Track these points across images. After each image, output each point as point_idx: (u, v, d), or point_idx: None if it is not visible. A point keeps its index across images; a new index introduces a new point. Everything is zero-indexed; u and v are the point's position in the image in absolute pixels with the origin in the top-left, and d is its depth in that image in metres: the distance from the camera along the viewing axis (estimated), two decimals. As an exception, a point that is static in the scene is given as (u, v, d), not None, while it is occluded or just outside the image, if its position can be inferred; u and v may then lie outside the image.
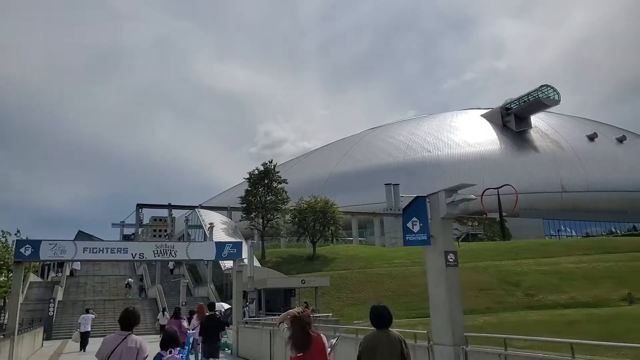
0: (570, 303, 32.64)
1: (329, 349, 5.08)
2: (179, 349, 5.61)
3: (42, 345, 23.99)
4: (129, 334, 5.24)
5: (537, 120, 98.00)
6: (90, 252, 16.27)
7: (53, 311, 31.62)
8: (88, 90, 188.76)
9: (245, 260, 18.29)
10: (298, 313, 5.12)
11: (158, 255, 16.65)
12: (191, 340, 6.82)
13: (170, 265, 47.58)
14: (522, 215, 73.54)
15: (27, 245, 15.46)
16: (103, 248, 16.47)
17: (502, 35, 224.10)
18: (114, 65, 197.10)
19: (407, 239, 7.84)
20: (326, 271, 43.10)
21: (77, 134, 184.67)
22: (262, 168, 51.03)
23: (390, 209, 76.57)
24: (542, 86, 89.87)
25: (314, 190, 59.27)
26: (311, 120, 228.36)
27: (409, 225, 7.82)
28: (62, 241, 15.97)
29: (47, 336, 28.01)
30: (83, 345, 21.09)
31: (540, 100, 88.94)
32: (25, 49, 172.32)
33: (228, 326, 17.47)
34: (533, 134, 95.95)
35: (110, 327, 31.94)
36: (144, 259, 16.83)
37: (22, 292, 36.80)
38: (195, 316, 13.53)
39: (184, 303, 27.76)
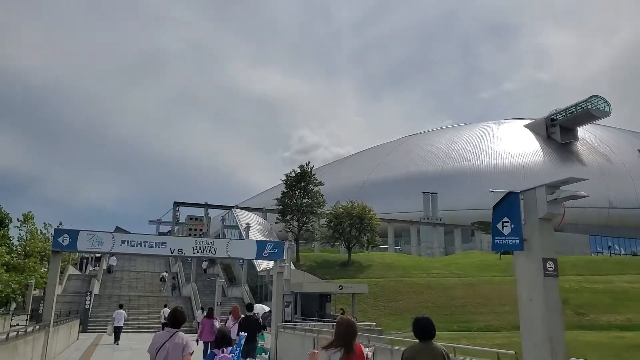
0: (627, 325, 30.24)
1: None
2: (230, 348, 5.77)
3: (77, 338, 23.75)
4: (177, 331, 5.57)
5: (584, 132, 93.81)
6: (127, 245, 15.69)
7: (89, 304, 31.59)
8: (128, 92, 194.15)
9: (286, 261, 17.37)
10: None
11: (197, 252, 15.92)
12: (242, 342, 6.63)
13: (204, 265, 47.35)
14: (567, 230, 70.09)
15: (65, 235, 14.98)
16: (141, 241, 15.82)
17: (546, 45, 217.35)
18: (153, 68, 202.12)
19: (495, 242, 6.66)
20: (361, 278, 41.90)
21: (116, 134, 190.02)
22: (298, 170, 50.31)
23: (428, 218, 74.71)
24: (591, 97, 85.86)
25: (349, 195, 58.11)
26: (345, 127, 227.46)
27: (499, 226, 6.66)
28: (100, 232, 15.46)
29: (83, 329, 27.86)
30: (116, 338, 22.01)
31: (589, 111, 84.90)
32: (68, 52, 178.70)
33: (265, 329, 16.53)
34: (579, 146, 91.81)
35: (144, 323, 31.70)
36: (183, 254, 16.12)
37: (61, 284, 37.18)
38: (230, 317, 13.43)
39: (219, 303, 27.21)
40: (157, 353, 5.38)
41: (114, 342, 21.65)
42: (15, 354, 9.77)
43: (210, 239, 16.76)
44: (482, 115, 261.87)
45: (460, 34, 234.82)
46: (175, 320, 5.67)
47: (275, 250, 17.07)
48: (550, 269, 6.32)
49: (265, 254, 16.91)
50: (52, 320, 14.63)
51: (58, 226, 36.19)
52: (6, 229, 41.57)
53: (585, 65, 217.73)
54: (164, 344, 5.41)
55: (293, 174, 49.94)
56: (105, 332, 26.48)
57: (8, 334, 9.65)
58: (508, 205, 6.68)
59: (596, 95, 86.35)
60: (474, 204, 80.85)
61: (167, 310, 26.29)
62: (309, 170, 50.05)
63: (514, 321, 34.15)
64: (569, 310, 35.55)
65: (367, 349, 5.13)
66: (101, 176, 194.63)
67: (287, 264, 17.92)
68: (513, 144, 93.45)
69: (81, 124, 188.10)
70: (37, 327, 13.49)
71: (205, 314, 15.67)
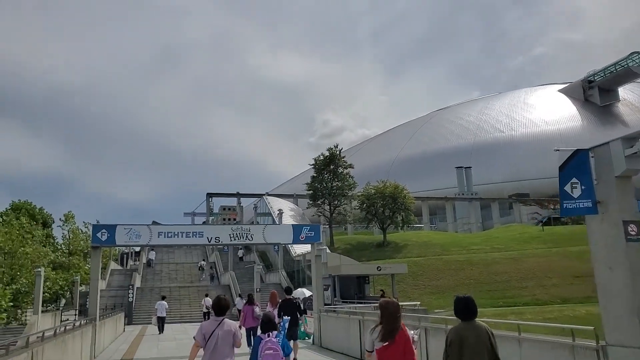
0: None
1: (415, 344, 4.97)
2: (275, 332, 5.91)
3: (123, 330, 24.16)
4: (223, 319, 5.70)
5: (626, 92, 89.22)
6: (165, 237, 15.55)
7: (132, 297, 32.16)
8: (153, 88, 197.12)
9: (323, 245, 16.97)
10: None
11: (234, 239, 15.66)
12: (286, 325, 6.95)
13: (240, 253, 47.71)
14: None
15: (104, 230, 14.97)
16: (178, 232, 15.68)
17: (575, 2, 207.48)
18: (175, 62, 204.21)
19: (564, 206, 5.96)
20: (398, 258, 41.31)
21: (146, 130, 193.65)
22: (327, 153, 49.66)
23: (463, 194, 73.09)
24: (632, 53, 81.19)
25: (379, 176, 57.10)
26: (370, 107, 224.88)
27: (567, 188, 5.94)
28: (137, 225, 15.38)
29: (128, 321, 28.39)
30: (160, 328, 22.72)
31: (630, 69, 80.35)
32: (94, 51, 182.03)
33: (305, 313, 16.23)
34: (621, 107, 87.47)
35: (186, 313, 32.10)
36: (220, 242, 15.89)
37: (105, 279, 38.08)
38: (268, 304, 13.62)
39: (258, 289, 27.27)
40: (207, 341, 5.52)
41: (159, 332, 22.34)
42: (65, 348, 9.76)
43: (246, 226, 16.49)
44: (512, 85, 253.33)
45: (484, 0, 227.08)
46: (220, 308, 5.79)
47: (311, 233, 16.65)
48: (633, 233, 5.59)
49: (302, 238, 16.53)
50: (97, 314, 14.71)
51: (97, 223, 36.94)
52: (50, 229, 43.00)
53: (620, 21, 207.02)
54: (213, 332, 5.54)
55: (322, 158, 49.34)
56: (149, 323, 27.14)
57: (56, 330, 9.66)
58: (576, 164, 5.94)
59: (637, 52, 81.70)
60: (509, 176, 78.59)
61: (208, 300, 26.75)
62: (338, 152, 49.32)
63: (563, 294, 33.06)
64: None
65: (412, 331, 5.07)
66: (135, 174, 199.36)
67: (325, 247, 17.45)
68: (548, 111, 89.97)
69: (111, 123, 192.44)
70: (84, 321, 13.57)
71: (245, 300, 15.58)
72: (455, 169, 76.01)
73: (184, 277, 43.11)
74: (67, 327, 10.66)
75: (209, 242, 15.64)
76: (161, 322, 22.97)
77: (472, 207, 71.63)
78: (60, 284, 29.65)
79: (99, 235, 14.82)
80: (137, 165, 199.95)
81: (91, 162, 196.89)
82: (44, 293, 23.78)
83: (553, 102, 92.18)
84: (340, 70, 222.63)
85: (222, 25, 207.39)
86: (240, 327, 14.34)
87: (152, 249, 46.90)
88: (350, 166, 49.58)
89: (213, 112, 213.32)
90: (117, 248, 54.59)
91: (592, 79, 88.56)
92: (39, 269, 20.80)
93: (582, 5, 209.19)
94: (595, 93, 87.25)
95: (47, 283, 26.00)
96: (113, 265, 45.22)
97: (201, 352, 5.59)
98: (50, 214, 44.63)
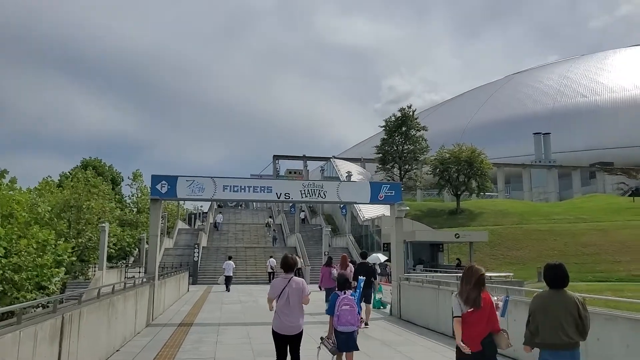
0: None
1: (499, 310, 4.69)
2: (350, 291, 6.35)
3: (187, 290, 23.50)
4: (292, 276, 5.97)
5: None
6: (230, 191, 14.11)
7: (198, 256, 31.87)
8: (223, 55, 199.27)
9: (403, 206, 14.85)
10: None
11: (305, 196, 13.93)
12: (362, 285, 7.19)
13: (302, 215, 46.56)
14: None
15: (164, 182, 13.65)
16: (245, 186, 14.13)
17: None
18: (244, 29, 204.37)
19: None
20: (474, 226, 38.65)
21: (215, 96, 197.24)
22: (399, 114, 46.82)
23: (540, 161, 67.93)
24: None
25: (451, 141, 53.65)
26: (440, 71, 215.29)
27: None
28: (199, 177, 14.00)
29: (193, 280, 28.03)
30: (227, 287, 23.83)
31: None
32: (165, 20, 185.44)
33: (376, 278, 14.54)
34: None
35: (251, 274, 31.52)
36: (290, 199, 14.25)
37: (172, 238, 38.27)
38: (338, 265, 13.44)
39: (326, 252, 26.21)
40: (278, 297, 5.76)
41: (226, 290, 23.32)
42: (113, 311, 8.43)
43: (319, 182, 14.64)
44: (595, 47, 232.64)
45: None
46: (288, 265, 5.97)
47: (391, 192, 14.64)
48: None
49: (380, 197, 14.54)
50: (156, 272, 13.58)
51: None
52: (119, 187, 43.89)
53: None
54: (284, 289, 5.78)
55: (393, 119, 46.64)
56: (214, 283, 27.03)
57: (99, 290, 8.22)
58: None
59: None
60: (592, 143, 71.99)
61: (272, 261, 27.88)
62: (411, 113, 46.34)
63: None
64: None
65: (495, 297, 4.86)
66: (202, 137, 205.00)
67: (407, 208, 15.36)
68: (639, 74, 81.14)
69: (182, 90, 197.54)
70: (140, 281, 12.42)
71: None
72: (532, 135, 70.83)
73: (250, 237, 42.72)
74: (117, 287, 9.34)
75: (278, 198, 14.00)
76: (228, 281, 23.98)
77: (550, 175, 66.50)
78: (127, 240, 29.67)
79: (158, 187, 13.57)
80: (204, 129, 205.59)
81: (160, 128, 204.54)
82: (110, 249, 23.58)
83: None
84: (409, 33, 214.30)
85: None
86: (320, 287, 14.70)
87: (220, 211, 47.18)
88: (424, 128, 46.64)
89: (280, 77, 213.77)
90: (185, 208, 55.47)
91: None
92: (103, 224, 20.29)
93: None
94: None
95: (113, 239, 25.82)
96: (180, 225, 45.66)
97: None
98: (119, 172, 45.47)
